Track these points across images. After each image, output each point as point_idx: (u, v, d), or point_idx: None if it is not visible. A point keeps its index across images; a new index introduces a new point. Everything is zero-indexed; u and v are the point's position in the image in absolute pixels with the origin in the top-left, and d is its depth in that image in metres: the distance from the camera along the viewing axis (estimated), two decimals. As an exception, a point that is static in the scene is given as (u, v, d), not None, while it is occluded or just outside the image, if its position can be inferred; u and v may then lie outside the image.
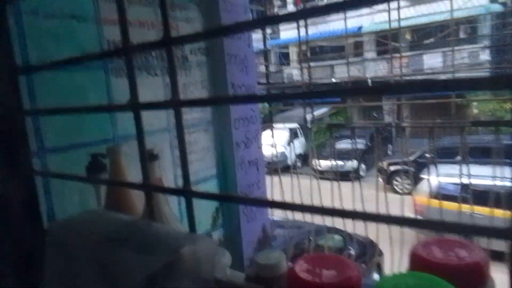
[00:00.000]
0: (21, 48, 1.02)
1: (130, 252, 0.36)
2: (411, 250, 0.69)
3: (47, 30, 1.07)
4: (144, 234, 0.39)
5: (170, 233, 0.38)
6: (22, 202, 0.45)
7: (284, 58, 16.64)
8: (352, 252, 4.00)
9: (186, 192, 0.35)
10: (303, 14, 0.41)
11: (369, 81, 11.40)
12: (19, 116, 0.41)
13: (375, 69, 13.55)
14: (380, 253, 4.43)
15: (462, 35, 13.12)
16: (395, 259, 2.23)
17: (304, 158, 12.23)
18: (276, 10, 16.24)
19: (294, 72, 14.81)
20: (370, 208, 2.40)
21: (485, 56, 12.02)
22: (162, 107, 0.41)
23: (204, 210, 1.56)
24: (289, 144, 9.87)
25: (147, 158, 0.41)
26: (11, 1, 0.49)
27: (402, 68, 12.40)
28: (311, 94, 0.31)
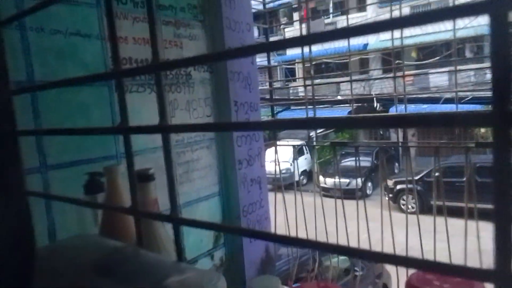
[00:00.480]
0: (26, 65, 1.03)
1: (114, 283, 0.35)
2: (407, 281, 0.66)
3: (52, 46, 1.08)
4: (130, 263, 0.38)
5: (158, 262, 0.37)
6: (13, 224, 0.44)
7: (290, 74, 16.76)
8: (358, 272, 3.92)
9: (173, 219, 0.34)
10: (306, 40, 0.40)
11: (374, 98, 11.41)
12: (12, 137, 0.41)
13: (381, 86, 13.58)
14: (387, 274, 4.34)
15: (468, 53, 13.14)
16: (401, 279, 2.17)
17: (309, 175, 12.16)
18: (282, 27, 16.43)
19: (300, 89, 14.88)
20: (375, 228, 2.35)
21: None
22: (151, 131, 0.40)
23: (206, 228, 1.54)
24: (293, 161, 9.82)
25: (137, 180, 0.40)
26: (4, 24, 0.49)
27: (409, 86, 12.41)
28: (316, 123, 0.30)
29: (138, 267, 0.37)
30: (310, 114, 2.47)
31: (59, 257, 0.42)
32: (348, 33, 0.29)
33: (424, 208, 8.32)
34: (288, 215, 2.55)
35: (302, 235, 2.73)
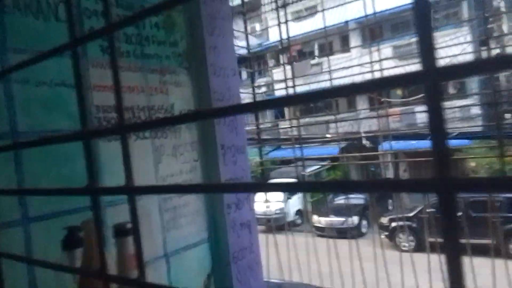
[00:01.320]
0: (10, 116, 1.04)
1: None
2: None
3: (37, 97, 1.09)
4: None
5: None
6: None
7: (280, 114, 17.06)
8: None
9: (140, 284, 0.33)
10: (292, 101, 0.41)
11: (363, 135, 11.59)
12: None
13: (369, 123, 13.80)
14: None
15: (451, 89, 13.54)
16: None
17: (303, 215, 12.02)
18: (269, 69, 16.85)
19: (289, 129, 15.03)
20: (373, 268, 2.30)
21: (476, 110, 12.30)
22: (119, 192, 0.40)
23: (196, 276, 1.49)
24: (286, 200, 9.77)
25: (114, 235, 0.39)
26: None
27: (396, 123, 12.64)
28: (304, 187, 0.31)
29: None
30: (298, 153, 2.50)
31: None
32: (328, 94, 0.30)
33: (421, 245, 8.18)
34: (282, 256, 2.50)
35: (296, 277, 2.66)
